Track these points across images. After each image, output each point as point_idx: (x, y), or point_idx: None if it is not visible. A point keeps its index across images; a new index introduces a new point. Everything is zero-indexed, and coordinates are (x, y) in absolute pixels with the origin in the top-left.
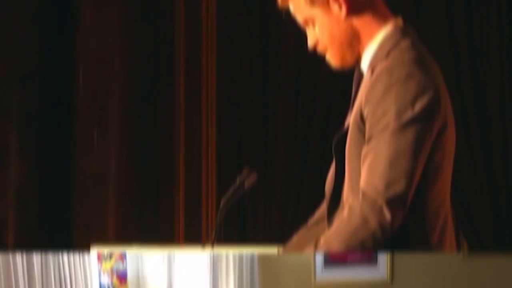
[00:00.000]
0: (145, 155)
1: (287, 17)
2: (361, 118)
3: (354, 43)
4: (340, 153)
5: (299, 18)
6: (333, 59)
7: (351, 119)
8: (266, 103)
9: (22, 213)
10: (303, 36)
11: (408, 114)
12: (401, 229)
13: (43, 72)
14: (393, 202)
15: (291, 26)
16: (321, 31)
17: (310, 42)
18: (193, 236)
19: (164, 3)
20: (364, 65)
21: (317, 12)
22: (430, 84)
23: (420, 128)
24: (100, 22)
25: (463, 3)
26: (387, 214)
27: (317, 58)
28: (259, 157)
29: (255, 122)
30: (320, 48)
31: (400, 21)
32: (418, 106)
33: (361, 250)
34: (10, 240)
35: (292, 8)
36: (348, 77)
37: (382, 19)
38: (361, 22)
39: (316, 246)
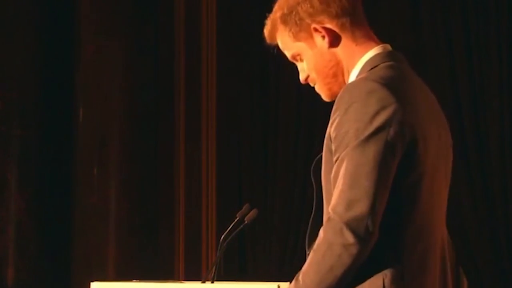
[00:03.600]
0: (145, 191)
1: (278, 52)
2: (330, 140)
3: (338, 73)
4: (318, 178)
5: (287, 54)
6: (321, 91)
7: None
8: (266, 137)
9: (22, 249)
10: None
11: (367, 131)
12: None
13: (43, 107)
14: (353, 223)
15: (290, 60)
16: (308, 64)
17: (302, 77)
18: (193, 272)
19: (164, 38)
20: None
21: (301, 46)
22: (391, 100)
23: (379, 144)
24: (100, 57)
25: (463, 37)
26: (349, 236)
27: (317, 93)
28: (259, 192)
29: (255, 157)
30: (311, 82)
31: (388, 47)
32: (376, 122)
33: (334, 280)
34: (10, 276)
35: (280, 45)
36: None
37: (367, 46)
38: (344, 51)
39: (296, 280)
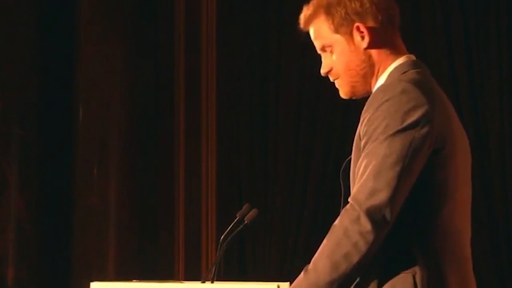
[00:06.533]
0: (145, 191)
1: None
2: (360, 137)
3: (368, 74)
4: (347, 180)
5: (318, 43)
6: (343, 87)
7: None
8: (266, 138)
9: (22, 249)
10: (303, 69)
11: (396, 127)
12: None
13: (43, 107)
14: (372, 211)
15: (291, 58)
16: (339, 59)
17: (324, 69)
18: (193, 272)
19: (164, 38)
20: None
21: (338, 40)
22: (423, 101)
23: (407, 140)
24: (100, 57)
25: (463, 38)
26: (366, 224)
27: (317, 93)
28: (259, 192)
29: (255, 157)
30: (332, 76)
31: (413, 56)
32: (407, 120)
33: (348, 267)
34: (10, 276)
35: (312, 33)
36: (348, 112)
37: (397, 53)
38: (378, 55)
39: (305, 271)
